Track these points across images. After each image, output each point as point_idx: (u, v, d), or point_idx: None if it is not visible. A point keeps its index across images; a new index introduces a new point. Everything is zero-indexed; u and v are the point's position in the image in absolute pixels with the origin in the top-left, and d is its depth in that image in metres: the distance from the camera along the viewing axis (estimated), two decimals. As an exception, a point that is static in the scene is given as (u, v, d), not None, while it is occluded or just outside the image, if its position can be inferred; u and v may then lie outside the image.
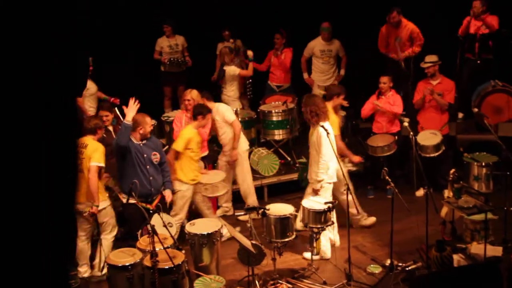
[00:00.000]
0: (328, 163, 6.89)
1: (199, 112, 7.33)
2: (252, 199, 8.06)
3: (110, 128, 7.41)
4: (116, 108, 7.74)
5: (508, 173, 7.36)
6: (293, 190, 8.66)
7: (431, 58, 8.65)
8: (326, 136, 6.75)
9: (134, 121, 6.71)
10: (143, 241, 6.21)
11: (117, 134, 6.82)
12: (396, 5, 9.49)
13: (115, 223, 6.90)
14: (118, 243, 7.26)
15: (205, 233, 6.48)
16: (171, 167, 7.13)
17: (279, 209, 6.72)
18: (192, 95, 7.66)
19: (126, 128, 6.59)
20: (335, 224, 7.03)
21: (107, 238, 6.84)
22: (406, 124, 7.48)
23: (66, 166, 1.62)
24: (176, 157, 7.23)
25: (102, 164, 6.63)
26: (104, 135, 7.28)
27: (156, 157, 6.86)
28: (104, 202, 6.71)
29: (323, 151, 6.83)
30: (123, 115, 6.82)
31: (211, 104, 7.82)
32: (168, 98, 10.32)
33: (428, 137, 8.37)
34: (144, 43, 10.04)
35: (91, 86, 8.47)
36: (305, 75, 10.06)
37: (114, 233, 6.90)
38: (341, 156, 7.53)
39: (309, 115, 6.94)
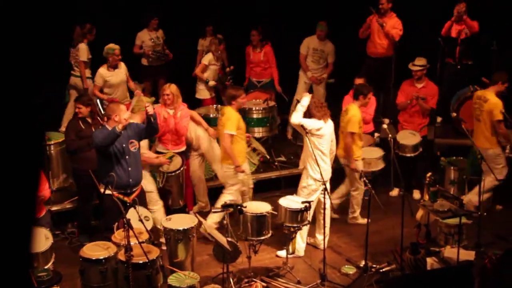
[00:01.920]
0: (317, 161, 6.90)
1: (361, 92, 7.67)
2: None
3: (89, 120, 7.33)
4: (98, 101, 7.67)
5: (483, 178, 7.46)
6: (271, 188, 8.67)
7: (421, 61, 8.62)
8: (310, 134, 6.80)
9: (108, 109, 6.66)
10: (118, 235, 6.17)
11: (99, 131, 6.68)
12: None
13: None
14: (92, 235, 7.26)
15: (181, 228, 6.45)
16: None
17: (256, 207, 6.72)
18: (171, 90, 7.60)
19: (112, 133, 6.45)
20: (327, 227, 7.03)
21: None
22: (385, 126, 7.52)
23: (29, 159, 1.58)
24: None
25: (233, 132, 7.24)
26: (83, 127, 7.22)
27: (133, 145, 6.62)
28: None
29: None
30: (103, 108, 6.75)
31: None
32: (148, 92, 10.27)
33: (408, 137, 8.42)
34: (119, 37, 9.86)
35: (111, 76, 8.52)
36: (309, 74, 9.89)
37: None
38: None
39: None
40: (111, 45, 8.50)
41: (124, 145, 6.54)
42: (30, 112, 1.52)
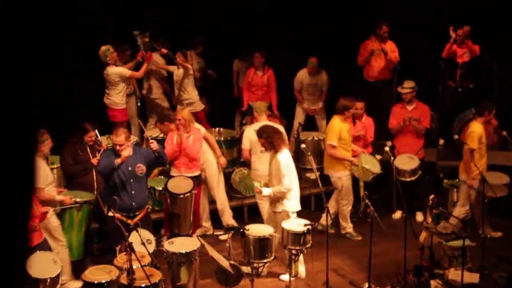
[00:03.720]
0: (290, 192, 6.90)
1: (485, 108, 7.74)
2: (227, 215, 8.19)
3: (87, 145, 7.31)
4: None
5: (486, 200, 7.44)
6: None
7: (409, 84, 8.69)
8: (286, 165, 6.78)
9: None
10: (121, 258, 6.15)
11: (105, 157, 6.73)
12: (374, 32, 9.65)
13: None
14: (95, 257, 7.24)
15: (184, 251, 6.44)
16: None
17: (258, 229, 6.71)
18: (183, 114, 7.66)
19: (109, 166, 6.58)
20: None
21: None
22: (387, 148, 7.56)
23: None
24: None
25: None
26: (80, 152, 7.22)
27: (140, 169, 6.72)
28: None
29: (283, 181, 6.83)
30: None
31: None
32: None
33: (406, 161, 8.41)
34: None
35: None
36: (305, 105, 9.89)
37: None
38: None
39: (265, 145, 6.96)
40: (104, 47, 8.54)
41: (130, 169, 6.61)
42: (21, 130, 1.52)
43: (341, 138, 7.76)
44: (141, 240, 5.86)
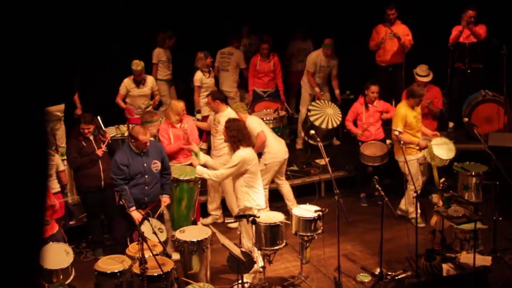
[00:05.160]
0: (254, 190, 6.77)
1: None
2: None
3: (91, 137, 7.31)
4: (98, 118, 7.66)
5: (497, 182, 7.41)
6: (283, 198, 8.64)
7: (425, 70, 8.63)
8: (238, 162, 6.61)
9: (132, 131, 6.73)
10: (133, 248, 6.18)
11: (117, 162, 6.65)
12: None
13: None
14: (106, 248, 7.29)
15: (195, 240, 6.46)
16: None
17: (269, 217, 6.70)
18: (182, 105, 7.73)
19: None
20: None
21: None
22: (397, 133, 7.51)
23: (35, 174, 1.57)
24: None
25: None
26: (84, 144, 7.22)
27: (156, 165, 6.74)
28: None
29: (221, 170, 6.78)
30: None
31: (223, 107, 7.83)
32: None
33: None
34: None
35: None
36: (317, 89, 9.68)
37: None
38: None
39: (231, 140, 6.73)
40: (135, 62, 8.53)
41: (145, 165, 6.62)
42: (34, 124, 1.52)
43: (407, 124, 7.74)
44: (152, 230, 5.87)
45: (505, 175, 7.43)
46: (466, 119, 8.82)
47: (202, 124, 8.49)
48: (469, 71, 9.57)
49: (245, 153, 6.64)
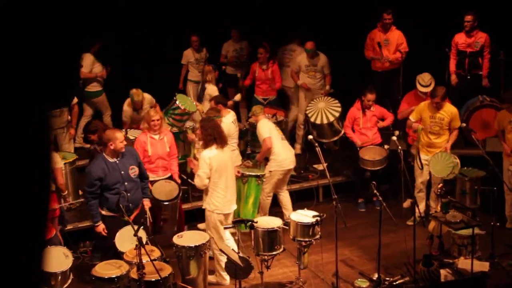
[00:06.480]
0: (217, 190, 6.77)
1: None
2: None
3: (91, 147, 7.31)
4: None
5: (495, 188, 7.42)
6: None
7: (427, 81, 8.56)
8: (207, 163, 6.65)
9: (104, 137, 6.57)
10: (130, 253, 6.17)
11: (93, 177, 6.50)
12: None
13: None
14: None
15: (193, 245, 6.45)
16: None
17: (267, 222, 6.71)
18: (161, 114, 7.74)
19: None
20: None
21: None
22: (395, 138, 7.51)
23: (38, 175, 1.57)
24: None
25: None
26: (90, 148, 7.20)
27: (134, 171, 6.63)
28: None
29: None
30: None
31: (225, 112, 7.87)
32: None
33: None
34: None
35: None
36: (299, 82, 9.79)
37: None
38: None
39: (207, 138, 6.74)
40: (134, 92, 8.41)
41: (123, 172, 6.54)
42: (37, 127, 1.52)
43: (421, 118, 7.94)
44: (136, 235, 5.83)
45: (502, 180, 7.44)
46: (464, 125, 8.81)
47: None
48: (468, 77, 9.58)
49: (211, 152, 6.66)
